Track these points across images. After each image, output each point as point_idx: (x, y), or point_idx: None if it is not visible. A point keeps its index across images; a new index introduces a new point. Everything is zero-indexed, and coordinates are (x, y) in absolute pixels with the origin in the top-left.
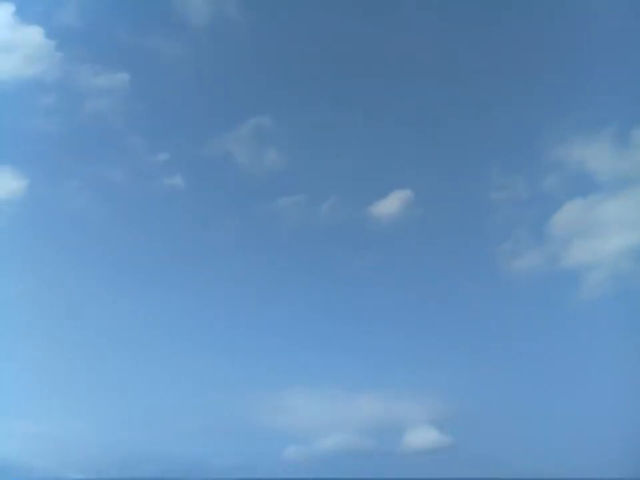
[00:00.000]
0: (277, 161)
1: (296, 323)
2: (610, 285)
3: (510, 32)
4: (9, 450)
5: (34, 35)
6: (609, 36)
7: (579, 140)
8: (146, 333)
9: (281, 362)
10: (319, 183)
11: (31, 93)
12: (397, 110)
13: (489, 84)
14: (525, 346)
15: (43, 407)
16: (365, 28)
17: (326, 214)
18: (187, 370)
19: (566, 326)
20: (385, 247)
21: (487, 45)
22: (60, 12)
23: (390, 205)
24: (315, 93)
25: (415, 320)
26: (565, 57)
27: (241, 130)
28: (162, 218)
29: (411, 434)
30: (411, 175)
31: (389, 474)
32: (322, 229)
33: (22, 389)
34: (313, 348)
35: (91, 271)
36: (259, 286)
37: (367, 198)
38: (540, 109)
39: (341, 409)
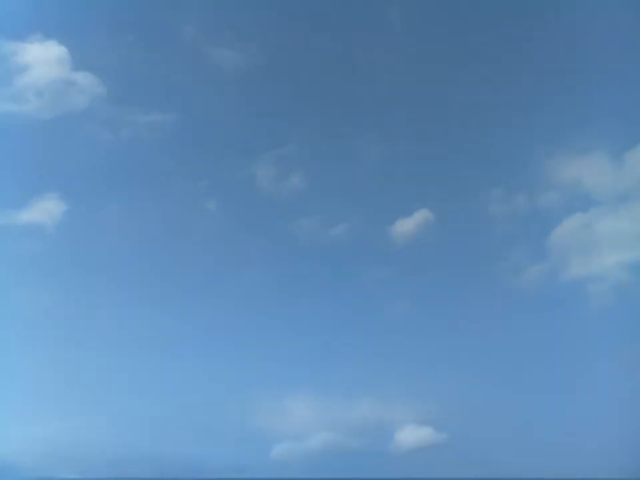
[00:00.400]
0: (299, 185)
1: (299, 331)
2: (607, 297)
3: (510, 58)
4: (6, 450)
5: (86, 75)
6: (606, 57)
7: (579, 158)
8: (146, 336)
9: (281, 367)
10: (338, 204)
11: (77, 126)
12: (408, 134)
13: (493, 106)
14: (523, 352)
15: (41, 407)
16: (379, 59)
17: (343, 232)
18: (186, 373)
19: (565, 333)
20: (395, 262)
21: (489, 71)
22: (110, 56)
23: (406, 224)
24: (334, 122)
25: (418, 328)
26: (563, 79)
27: (266, 158)
28: (194, 237)
29: (407, 432)
30: (427, 196)
31: (383, 472)
32: (338, 246)
33: (21, 390)
34: (313, 354)
35: (110, 280)
36: (267, 296)
37: (383, 218)
38: (540, 129)
39: (339, 409)
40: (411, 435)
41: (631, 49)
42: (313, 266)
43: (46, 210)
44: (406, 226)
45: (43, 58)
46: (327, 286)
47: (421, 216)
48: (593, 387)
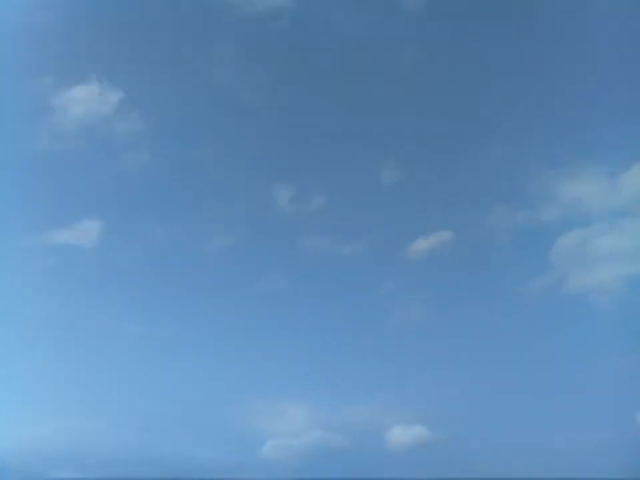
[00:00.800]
0: (319, 207)
1: (298, 335)
2: (605, 308)
3: (510, 80)
4: (5, 450)
5: (128, 111)
6: (604, 82)
7: (580, 179)
8: (144, 341)
9: (277, 369)
10: (354, 224)
11: (119, 156)
12: (422, 159)
13: (503, 136)
14: (522, 357)
15: (37, 406)
16: (394, 93)
17: (357, 250)
18: (186, 376)
19: (563, 338)
20: (403, 276)
21: (496, 105)
22: (151, 95)
23: (419, 243)
24: (352, 149)
25: (418, 333)
26: (563, 104)
27: (288, 183)
28: (221, 255)
29: (401, 431)
30: (441, 217)
31: (376, 472)
32: (350, 261)
33: (19, 389)
34: (309, 356)
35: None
36: (273, 303)
37: (399, 237)
38: (544, 153)
39: (333, 409)
40: (404, 434)
41: (628, 75)
42: (322, 277)
43: (85, 231)
44: (419, 245)
45: (88, 94)
46: (333, 295)
47: (435, 235)
48: (589, 389)
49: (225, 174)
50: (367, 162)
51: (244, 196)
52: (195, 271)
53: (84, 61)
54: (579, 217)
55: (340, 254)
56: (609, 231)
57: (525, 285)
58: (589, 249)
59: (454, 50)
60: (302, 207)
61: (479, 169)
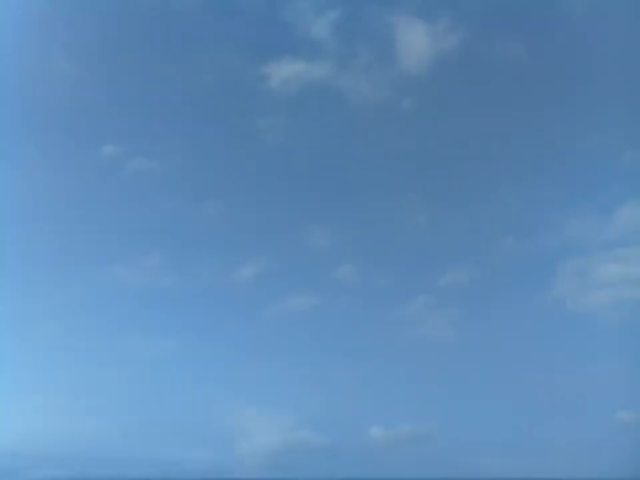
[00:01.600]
0: (340, 240)
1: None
2: (601, 325)
3: (516, 135)
4: (4, 451)
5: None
6: (597, 132)
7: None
8: (164, 356)
9: (270, 377)
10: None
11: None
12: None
13: (508, 176)
14: (518, 364)
15: (34, 406)
16: (417, 144)
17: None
18: (187, 385)
19: (558, 350)
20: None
21: (500, 148)
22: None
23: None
24: (378, 193)
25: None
26: (561, 152)
27: (320, 221)
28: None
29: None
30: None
31: (359, 470)
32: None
33: (16, 389)
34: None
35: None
36: (297, 325)
37: (423, 268)
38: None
39: (320, 408)
40: (387, 432)
41: (618, 126)
42: (345, 301)
43: (148, 265)
44: (439, 274)
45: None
46: (348, 316)
47: (454, 266)
48: (577, 390)
49: (271, 217)
50: (395, 205)
51: (285, 231)
52: (238, 295)
53: (157, 127)
54: (579, 246)
55: (367, 284)
56: (604, 259)
57: (530, 304)
58: (587, 274)
59: (469, 110)
60: (336, 244)
61: (493, 208)
